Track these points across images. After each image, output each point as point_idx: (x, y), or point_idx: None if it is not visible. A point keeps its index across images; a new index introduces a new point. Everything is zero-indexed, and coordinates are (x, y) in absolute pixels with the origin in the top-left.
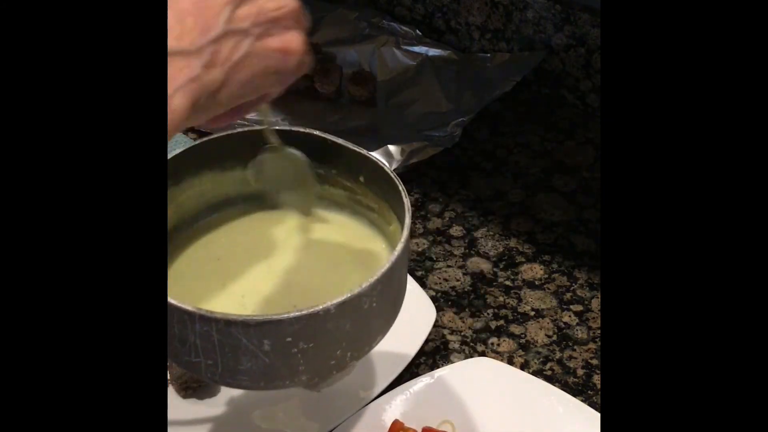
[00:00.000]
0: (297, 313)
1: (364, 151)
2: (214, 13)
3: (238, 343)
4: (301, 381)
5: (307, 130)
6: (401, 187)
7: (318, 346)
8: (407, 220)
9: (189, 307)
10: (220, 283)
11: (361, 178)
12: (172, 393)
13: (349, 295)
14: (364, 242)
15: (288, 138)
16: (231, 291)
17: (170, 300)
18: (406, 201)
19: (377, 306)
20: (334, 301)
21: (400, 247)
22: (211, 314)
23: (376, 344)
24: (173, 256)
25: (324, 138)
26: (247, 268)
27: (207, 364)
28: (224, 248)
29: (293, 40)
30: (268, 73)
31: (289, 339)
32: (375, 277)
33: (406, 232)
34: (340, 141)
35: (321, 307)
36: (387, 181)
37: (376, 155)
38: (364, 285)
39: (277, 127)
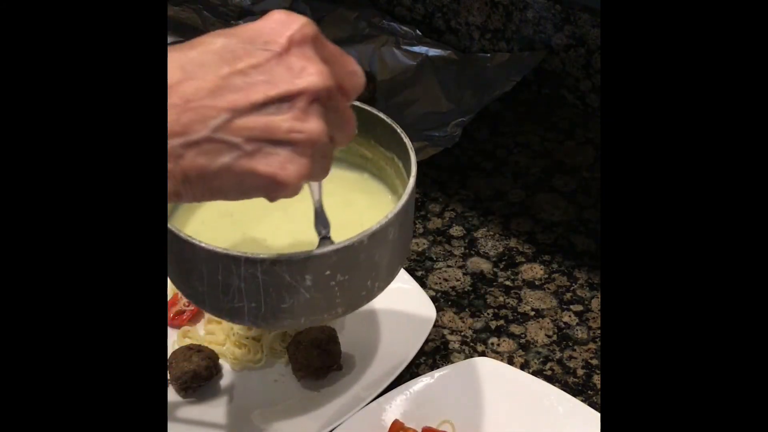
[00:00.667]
0: (335, 247)
1: (374, 111)
2: (205, 115)
3: (281, 281)
4: (336, 313)
5: None
6: (408, 143)
7: (353, 277)
8: (413, 161)
9: (235, 253)
10: (239, 234)
11: (372, 141)
12: (172, 393)
13: (378, 226)
14: (372, 190)
15: None
16: (253, 239)
17: (215, 248)
18: (412, 154)
19: (399, 236)
20: (366, 233)
21: (411, 180)
22: (256, 255)
23: (397, 273)
24: (183, 220)
25: None
26: (262, 219)
27: (250, 307)
28: (233, 204)
29: (291, 170)
30: (246, 191)
31: (328, 272)
32: (397, 209)
33: (414, 169)
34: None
35: (356, 238)
36: (396, 140)
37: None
38: (390, 215)
39: None
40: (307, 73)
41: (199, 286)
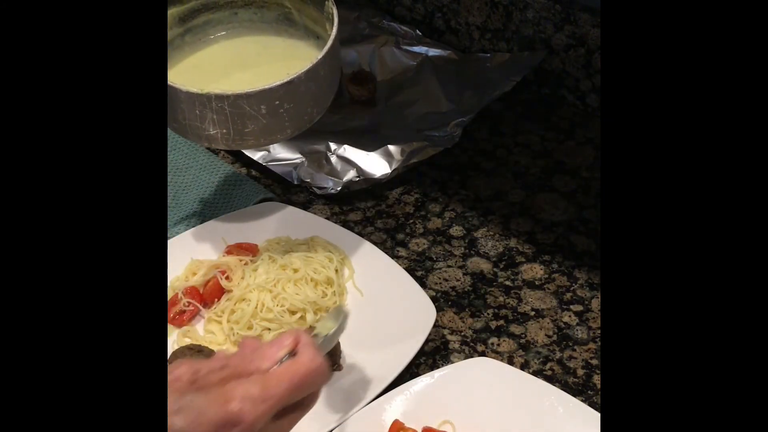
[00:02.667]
0: (281, 82)
1: None
2: None
3: (243, 111)
4: (286, 134)
5: None
6: None
7: (296, 104)
8: (334, 10)
9: (207, 91)
10: (206, 81)
11: None
12: None
13: (312, 64)
14: (301, 46)
15: None
16: (218, 83)
17: (191, 89)
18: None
19: (329, 73)
20: (303, 70)
21: (333, 30)
22: (224, 92)
23: (329, 104)
24: None
25: None
26: (223, 71)
27: (222, 133)
28: (201, 59)
29: None
30: None
31: (277, 102)
32: (324, 51)
33: (335, 17)
34: None
35: (296, 74)
36: None
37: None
38: (320, 56)
39: None
40: None
41: (182, 120)
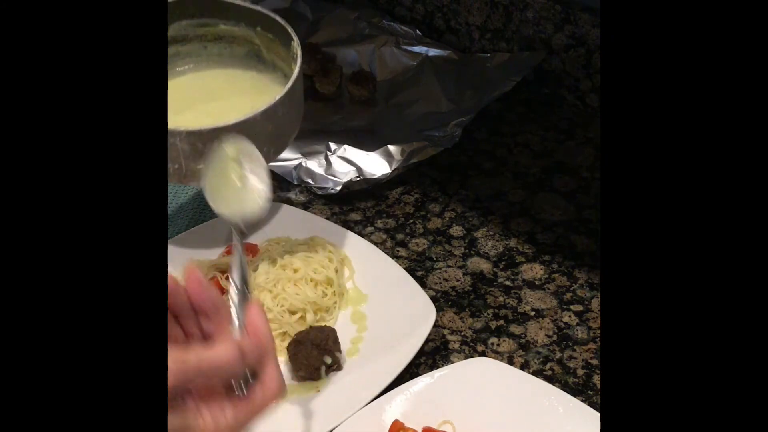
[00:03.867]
0: (236, 120)
1: (254, 7)
2: None
3: (195, 148)
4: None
5: None
6: (289, 28)
7: (275, 127)
8: (298, 51)
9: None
10: (169, 112)
11: (258, 28)
12: None
13: (269, 104)
14: (265, 82)
15: (182, 7)
16: (182, 114)
17: None
18: (294, 37)
19: (288, 113)
20: (260, 110)
21: (296, 69)
22: (176, 128)
23: (288, 143)
24: None
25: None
26: (187, 102)
27: (174, 168)
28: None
29: None
30: None
31: None
32: (284, 91)
33: (299, 58)
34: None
35: (250, 115)
36: (279, 28)
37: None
38: (278, 97)
39: None
40: None
41: None
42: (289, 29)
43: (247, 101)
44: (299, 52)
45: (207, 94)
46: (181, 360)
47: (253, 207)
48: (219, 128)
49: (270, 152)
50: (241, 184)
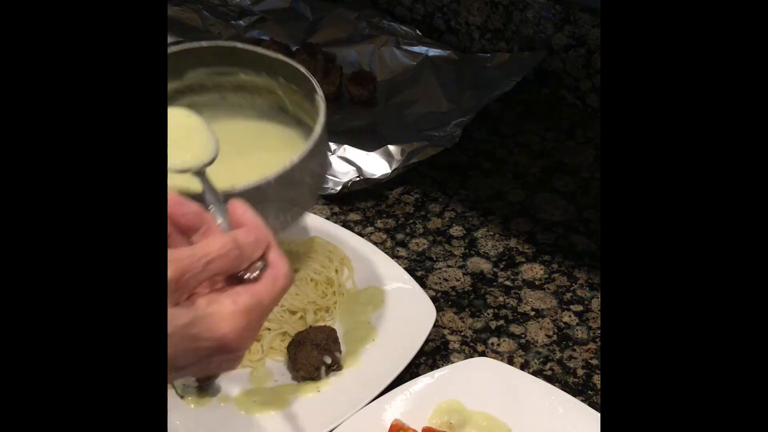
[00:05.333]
0: (245, 187)
1: (277, 55)
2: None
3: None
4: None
5: (213, 43)
6: (313, 80)
7: (263, 210)
8: (322, 104)
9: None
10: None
11: (281, 79)
12: (172, 394)
13: (282, 170)
14: (290, 136)
15: (198, 55)
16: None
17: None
18: (319, 90)
19: (307, 177)
20: (274, 175)
21: (319, 127)
22: (187, 188)
23: (311, 208)
24: None
25: (233, 47)
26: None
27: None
28: None
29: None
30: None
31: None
32: (304, 152)
33: (323, 112)
34: (248, 47)
35: (263, 180)
36: (302, 78)
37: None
38: (295, 159)
39: (186, 47)
40: (221, 370)
41: None
42: (314, 81)
43: (276, 157)
44: (323, 107)
45: (236, 147)
46: (175, 257)
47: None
48: (228, 193)
49: (287, 218)
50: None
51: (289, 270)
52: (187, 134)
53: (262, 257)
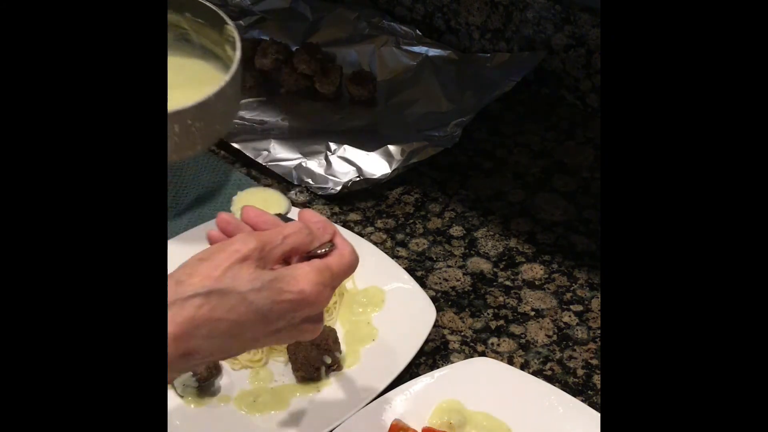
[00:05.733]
0: (194, 103)
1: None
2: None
3: None
4: (197, 150)
5: None
6: (220, 12)
7: (206, 123)
8: (235, 33)
9: None
10: None
11: (187, 14)
12: (172, 394)
13: (221, 85)
14: (200, 66)
15: None
16: None
17: None
18: (228, 20)
19: (233, 93)
20: (214, 92)
21: (238, 52)
22: None
23: (233, 120)
24: None
25: None
26: None
27: None
28: None
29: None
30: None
31: (189, 122)
32: (231, 73)
33: (238, 40)
34: None
35: (207, 96)
36: (210, 12)
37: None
38: (227, 78)
39: None
40: (309, 333)
41: None
42: (221, 13)
43: (185, 86)
44: (236, 35)
45: None
46: (258, 233)
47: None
48: (179, 111)
49: (221, 129)
50: None
51: (353, 250)
52: (275, 199)
53: (330, 241)
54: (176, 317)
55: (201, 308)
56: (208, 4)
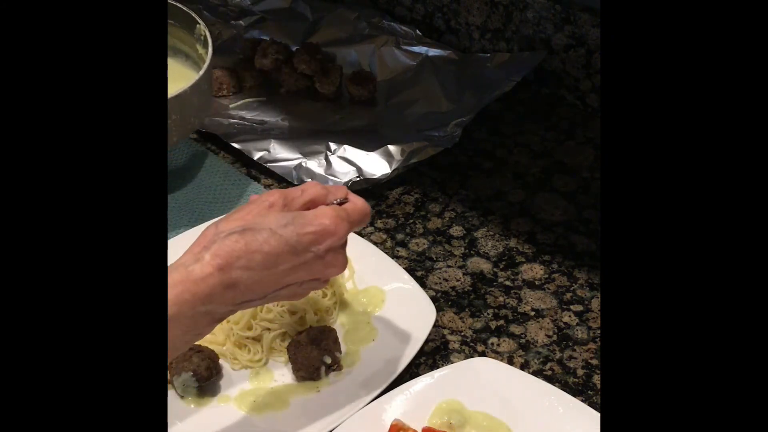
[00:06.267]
0: (171, 95)
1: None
2: (266, 292)
3: None
4: (172, 141)
5: None
6: (192, 13)
7: (181, 116)
8: (206, 32)
9: None
10: None
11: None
12: (172, 394)
13: (196, 78)
14: (171, 65)
15: None
16: None
17: None
18: (199, 20)
19: (207, 87)
20: (189, 85)
21: (210, 49)
22: None
23: (207, 116)
24: None
25: None
26: None
27: None
28: None
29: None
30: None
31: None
32: (204, 68)
33: (209, 38)
34: None
35: (182, 90)
36: (181, 14)
37: None
38: (201, 72)
39: None
40: (335, 266)
41: None
42: (192, 14)
43: None
44: (207, 33)
45: None
46: (279, 190)
47: None
48: None
49: (195, 122)
50: None
51: (365, 201)
52: None
53: (344, 197)
54: (218, 251)
55: (238, 242)
56: (178, 5)
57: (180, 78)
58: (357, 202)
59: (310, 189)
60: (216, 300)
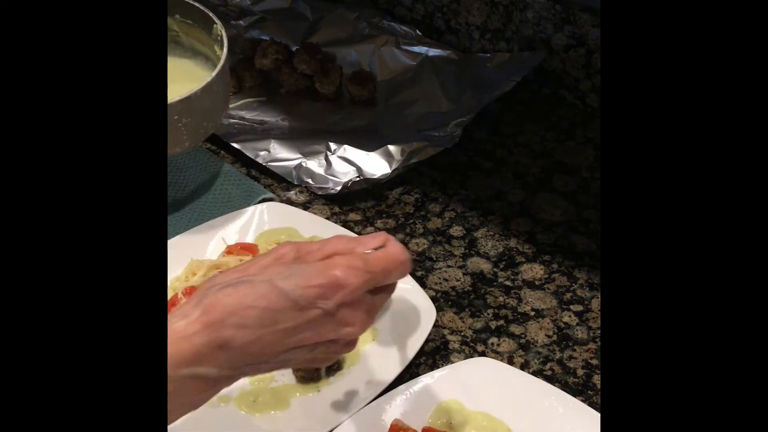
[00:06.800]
0: (179, 97)
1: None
2: (270, 355)
3: None
4: (184, 146)
5: None
6: (210, 12)
7: (193, 119)
8: (222, 32)
9: None
10: None
11: (177, 16)
12: None
13: (207, 81)
14: (189, 67)
15: None
16: None
17: None
18: (216, 19)
19: (221, 90)
20: (200, 87)
21: (225, 50)
22: None
23: (221, 119)
24: None
25: None
26: None
27: None
28: None
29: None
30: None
31: (176, 117)
32: (217, 70)
33: (225, 39)
34: None
35: (193, 91)
36: (199, 13)
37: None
38: (213, 74)
39: None
40: (352, 324)
41: None
42: (210, 14)
43: (174, 85)
44: (224, 33)
45: None
46: (295, 242)
47: None
48: (169, 105)
49: (208, 126)
50: None
51: (403, 248)
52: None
53: (381, 247)
54: (209, 306)
55: (230, 297)
56: (197, 5)
57: (199, 80)
58: (390, 250)
59: (332, 242)
60: (206, 362)
